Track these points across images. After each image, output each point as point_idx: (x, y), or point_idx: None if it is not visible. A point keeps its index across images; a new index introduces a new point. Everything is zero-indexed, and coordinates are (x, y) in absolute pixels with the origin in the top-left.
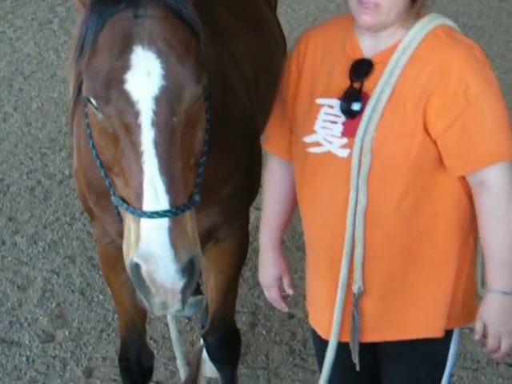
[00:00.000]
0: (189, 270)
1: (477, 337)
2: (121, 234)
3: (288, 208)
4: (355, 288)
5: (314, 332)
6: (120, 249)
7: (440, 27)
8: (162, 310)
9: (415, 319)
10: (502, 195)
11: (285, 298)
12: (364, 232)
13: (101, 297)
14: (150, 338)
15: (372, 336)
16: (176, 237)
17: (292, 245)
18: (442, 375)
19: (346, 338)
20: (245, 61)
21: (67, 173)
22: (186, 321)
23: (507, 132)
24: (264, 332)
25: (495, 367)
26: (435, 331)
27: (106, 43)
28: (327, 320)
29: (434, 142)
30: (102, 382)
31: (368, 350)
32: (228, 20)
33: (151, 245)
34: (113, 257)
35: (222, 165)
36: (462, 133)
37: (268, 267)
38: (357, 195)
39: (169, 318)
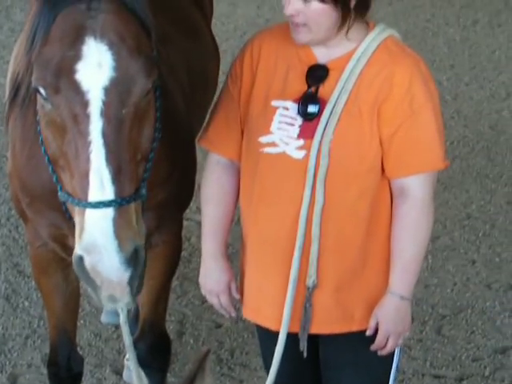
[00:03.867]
0: (133, 260)
1: (368, 332)
2: (53, 237)
3: (232, 211)
4: (309, 282)
5: (257, 326)
6: (52, 252)
7: (390, 38)
8: (111, 303)
9: (364, 311)
10: (418, 205)
11: (233, 304)
12: (320, 230)
13: (26, 303)
14: (77, 345)
15: (321, 328)
16: (120, 227)
17: None
18: (391, 366)
19: (294, 329)
20: (181, 67)
21: None
22: (113, 329)
23: (441, 144)
24: (191, 341)
25: (421, 378)
26: None
27: (57, 34)
28: (275, 313)
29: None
30: None
31: (312, 341)
32: (165, 27)
33: (95, 235)
34: (44, 260)
35: (159, 169)
36: (404, 138)
37: (217, 274)
38: (311, 195)
39: (122, 321)
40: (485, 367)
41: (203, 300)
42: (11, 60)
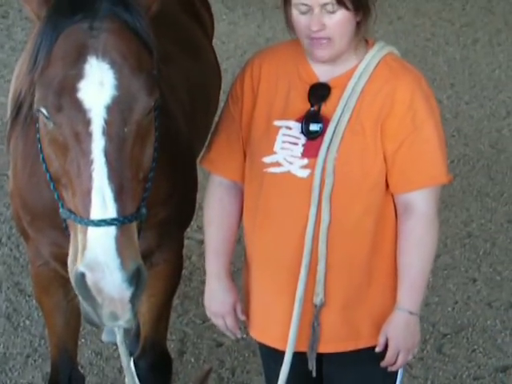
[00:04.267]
0: (136, 278)
1: (378, 349)
2: (54, 256)
3: (235, 232)
4: (317, 300)
5: (261, 346)
6: (53, 271)
7: (389, 55)
8: (112, 321)
9: (370, 328)
10: (422, 220)
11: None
12: (326, 247)
13: (27, 322)
14: (78, 364)
15: (328, 347)
16: (123, 246)
17: None
18: (395, 381)
19: (300, 348)
20: (182, 87)
21: None
22: (114, 347)
23: (444, 159)
24: (192, 360)
25: None
26: None
27: (60, 53)
28: (282, 333)
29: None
30: None
31: (315, 358)
32: (167, 45)
33: (97, 253)
34: (46, 278)
35: (159, 189)
36: (407, 154)
37: (221, 295)
38: (316, 213)
39: (118, 342)
40: None
41: (204, 319)
42: (13, 79)
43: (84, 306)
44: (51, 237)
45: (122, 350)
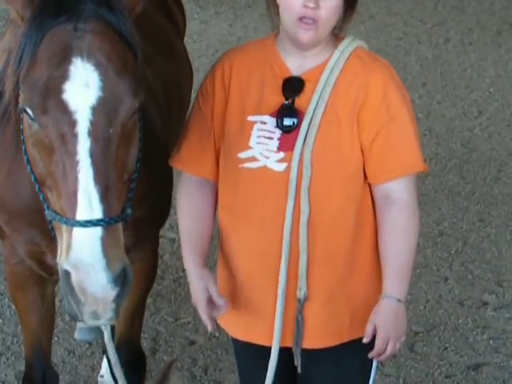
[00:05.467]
0: (122, 279)
1: (365, 339)
2: (30, 254)
3: (209, 226)
4: (300, 294)
5: (236, 343)
6: (28, 269)
7: (359, 48)
8: (93, 319)
9: (352, 320)
10: (405, 208)
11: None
12: (307, 240)
13: (0, 320)
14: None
15: (314, 343)
16: (109, 246)
17: None
18: (368, 381)
19: (285, 343)
20: (157, 85)
21: None
22: (87, 345)
23: (419, 146)
24: (165, 358)
25: None
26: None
27: (45, 54)
28: (265, 328)
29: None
30: None
31: (289, 353)
32: (143, 44)
33: (82, 253)
34: (21, 276)
35: (136, 188)
36: (383, 143)
37: (194, 282)
38: (294, 206)
39: (106, 339)
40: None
41: (176, 317)
42: None
43: (68, 300)
44: (28, 235)
45: (110, 346)
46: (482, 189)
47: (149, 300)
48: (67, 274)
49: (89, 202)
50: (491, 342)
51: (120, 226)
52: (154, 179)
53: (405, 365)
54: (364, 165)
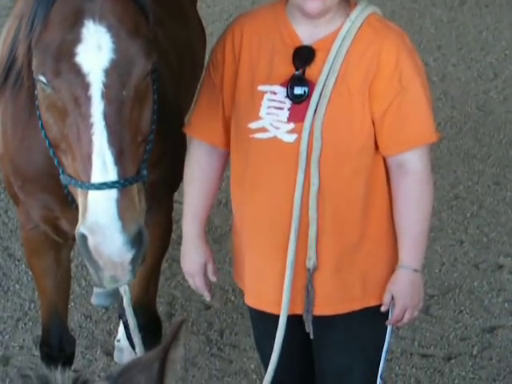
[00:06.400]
0: (137, 240)
1: (383, 308)
2: (45, 219)
3: (213, 195)
4: (310, 264)
5: (251, 309)
6: (43, 234)
7: (372, 15)
8: (112, 283)
9: (363, 289)
10: (419, 177)
11: (209, 286)
12: (317, 211)
13: (17, 286)
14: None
15: (324, 310)
16: (124, 208)
17: (209, 237)
18: (382, 346)
19: (295, 311)
20: (170, 50)
21: None
22: (104, 310)
23: (432, 116)
24: None
25: (409, 358)
26: (382, 298)
27: (56, 18)
28: (276, 297)
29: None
30: (19, 370)
31: (303, 321)
32: (155, 9)
33: (98, 215)
34: (36, 241)
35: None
36: (396, 114)
37: (193, 255)
38: (304, 177)
39: (125, 304)
40: (473, 346)
41: None
42: None
43: (88, 267)
44: (42, 200)
45: (130, 312)
46: (497, 152)
47: (164, 265)
48: (84, 238)
49: (103, 165)
50: (506, 304)
51: (135, 187)
52: (167, 142)
53: (420, 328)
54: (375, 136)
